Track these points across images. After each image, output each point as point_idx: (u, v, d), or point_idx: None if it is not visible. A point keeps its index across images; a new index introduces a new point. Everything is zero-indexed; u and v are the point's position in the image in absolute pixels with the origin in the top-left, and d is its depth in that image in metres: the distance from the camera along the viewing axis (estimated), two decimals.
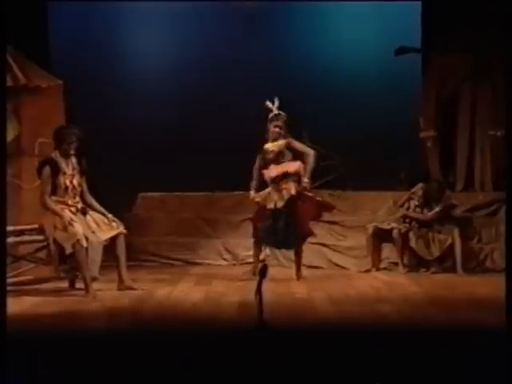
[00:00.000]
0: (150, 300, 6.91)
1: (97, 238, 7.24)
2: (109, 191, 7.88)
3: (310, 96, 11.45)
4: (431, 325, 5.73)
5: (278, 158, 8.13)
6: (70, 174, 7.35)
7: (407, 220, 9.06)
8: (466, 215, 9.39)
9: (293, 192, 8.06)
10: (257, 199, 8.14)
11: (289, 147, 8.16)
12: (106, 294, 7.21)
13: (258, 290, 4.79)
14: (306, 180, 8.08)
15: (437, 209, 9.00)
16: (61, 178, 7.29)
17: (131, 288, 7.39)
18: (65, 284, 7.63)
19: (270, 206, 8.07)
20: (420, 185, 9.17)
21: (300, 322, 5.89)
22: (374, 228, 9.07)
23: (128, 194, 10.08)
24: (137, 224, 9.60)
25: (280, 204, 8.03)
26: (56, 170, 7.29)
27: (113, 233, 7.35)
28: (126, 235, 7.46)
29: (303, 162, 8.15)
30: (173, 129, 11.32)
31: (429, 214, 9.00)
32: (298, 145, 8.21)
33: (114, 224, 7.37)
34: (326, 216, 9.83)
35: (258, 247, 8.23)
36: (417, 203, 9.07)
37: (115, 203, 7.86)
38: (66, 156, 7.35)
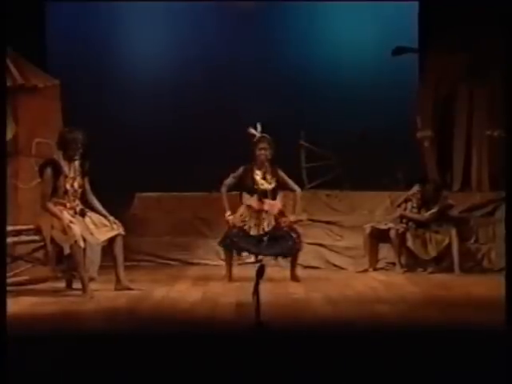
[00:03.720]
0: (148, 300, 6.90)
1: (95, 240, 7.24)
2: (105, 191, 7.84)
3: (307, 96, 11.46)
4: (429, 325, 5.73)
5: (269, 194, 8.15)
6: (72, 176, 7.32)
7: (404, 220, 9.06)
8: (463, 215, 9.38)
9: (273, 223, 8.10)
10: (232, 221, 8.15)
11: (279, 180, 8.20)
12: (103, 294, 7.20)
13: (256, 291, 4.79)
14: (299, 217, 8.28)
15: (434, 209, 8.99)
16: (62, 181, 7.25)
17: (128, 288, 7.39)
18: (62, 284, 7.62)
19: (253, 233, 8.10)
20: (416, 187, 9.15)
21: (298, 323, 5.88)
22: (372, 228, 9.06)
23: (125, 193, 10.04)
24: (134, 224, 9.56)
25: (262, 231, 8.08)
26: (58, 173, 7.25)
27: (111, 234, 7.34)
28: (124, 236, 7.45)
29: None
30: (170, 128, 11.31)
31: (426, 215, 8.99)
32: (286, 179, 8.24)
33: (114, 226, 7.35)
34: (324, 216, 9.86)
35: (229, 255, 8.25)
36: (414, 205, 9.07)
37: (112, 203, 7.83)
38: (70, 160, 7.32)
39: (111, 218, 7.39)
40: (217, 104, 11.33)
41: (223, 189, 8.24)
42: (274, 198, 8.17)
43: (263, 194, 8.14)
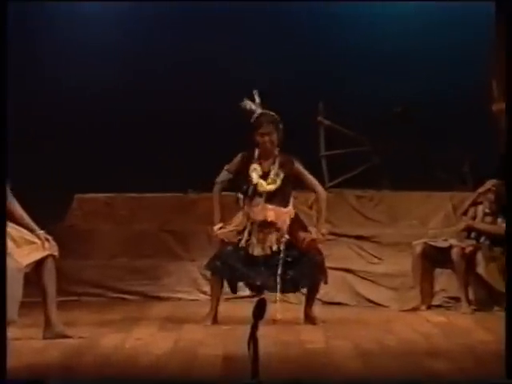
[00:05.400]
0: (92, 352, 6.88)
1: (15, 263, 7.18)
2: (31, 192, 7.85)
3: (328, 53, 11.47)
4: None
5: (273, 198, 8.18)
6: None
7: (473, 234, 9.10)
8: None
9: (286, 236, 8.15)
10: (222, 237, 8.20)
11: (293, 178, 8.21)
12: (26, 344, 7.15)
13: (252, 338, 4.74)
14: (322, 231, 8.22)
15: None
16: None
17: (64, 335, 7.35)
18: None
19: (257, 252, 8.14)
20: (491, 182, 9.16)
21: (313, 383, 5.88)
22: (424, 246, 9.08)
23: (59, 195, 10.07)
24: (72, 240, 9.63)
25: (269, 250, 8.14)
26: None
27: (39, 255, 7.30)
28: (57, 258, 7.40)
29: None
30: (126, 102, 11.30)
31: (504, 226, 8.98)
32: (305, 176, 8.26)
33: (46, 244, 7.31)
34: (353, 228, 9.85)
35: (218, 284, 8.28)
36: (487, 210, 9.12)
37: (40, 209, 7.82)
38: None
39: (41, 232, 7.36)
40: (198, 64, 11.34)
41: (216, 188, 8.27)
42: (282, 204, 8.18)
43: (262, 198, 8.16)
